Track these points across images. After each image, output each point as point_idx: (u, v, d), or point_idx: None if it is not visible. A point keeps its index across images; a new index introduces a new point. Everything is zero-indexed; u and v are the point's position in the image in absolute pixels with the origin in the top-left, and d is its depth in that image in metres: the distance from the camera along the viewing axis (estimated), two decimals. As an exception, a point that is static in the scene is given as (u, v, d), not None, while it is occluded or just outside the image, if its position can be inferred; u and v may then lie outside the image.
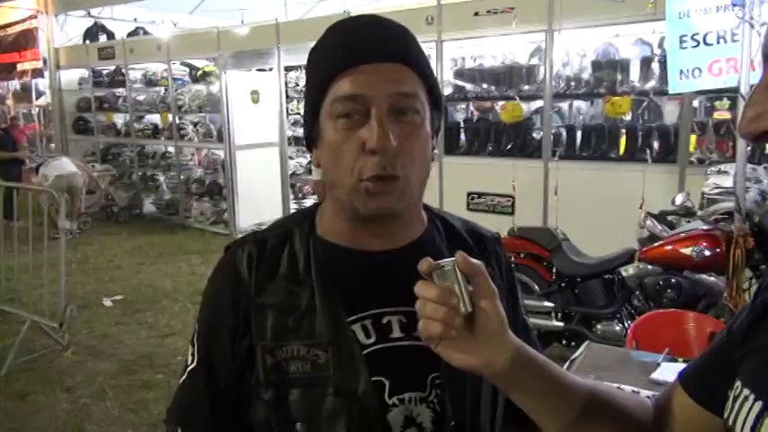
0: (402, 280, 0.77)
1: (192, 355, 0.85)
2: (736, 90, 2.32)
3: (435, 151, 0.84)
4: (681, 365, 1.86)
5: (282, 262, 0.83)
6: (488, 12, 5.18)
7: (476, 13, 5.24)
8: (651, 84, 4.77)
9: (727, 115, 4.70)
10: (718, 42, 2.43)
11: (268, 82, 7.73)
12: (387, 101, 0.74)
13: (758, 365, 0.60)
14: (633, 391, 1.71)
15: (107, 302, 5.28)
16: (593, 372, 1.85)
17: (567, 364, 1.92)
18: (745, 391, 0.59)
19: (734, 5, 2.12)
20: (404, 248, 0.84)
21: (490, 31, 5.27)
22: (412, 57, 0.78)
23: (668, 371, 1.82)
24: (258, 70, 8.21)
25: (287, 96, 7.54)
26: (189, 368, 0.85)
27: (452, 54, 5.98)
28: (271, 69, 7.59)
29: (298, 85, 10.04)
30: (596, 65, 5.08)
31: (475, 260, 0.65)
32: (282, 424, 0.79)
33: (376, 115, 0.73)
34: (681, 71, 2.54)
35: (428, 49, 6.74)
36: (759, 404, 0.57)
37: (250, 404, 0.81)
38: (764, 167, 3.27)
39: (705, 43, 2.46)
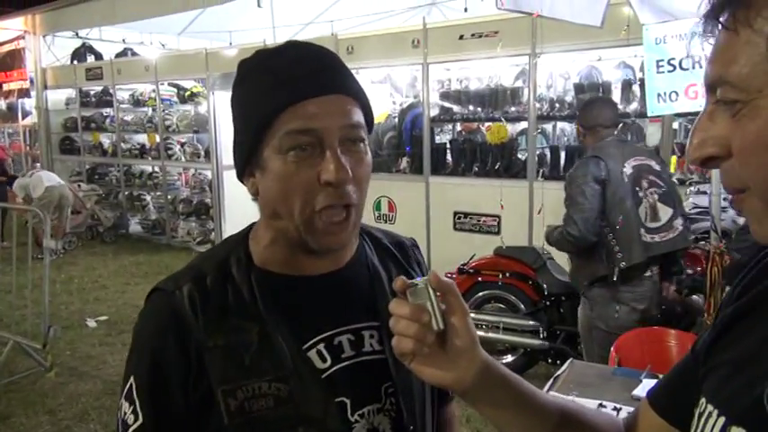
0: (346, 299, 0.85)
1: (135, 412, 0.78)
2: None
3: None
4: (662, 381, 1.90)
5: (228, 298, 0.80)
6: (473, 35, 5.29)
7: (461, 37, 5.34)
8: (633, 106, 4.88)
9: None
10: (694, 67, 2.51)
11: (256, 103, 7.75)
12: (338, 133, 0.76)
13: (720, 381, 0.61)
14: (615, 408, 1.74)
15: (91, 323, 5.23)
16: (576, 388, 1.88)
17: (551, 381, 1.95)
18: (709, 407, 0.61)
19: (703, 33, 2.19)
20: (343, 268, 0.87)
21: (475, 54, 5.37)
22: (353, 87, 0.80)
23: (650, 387, 1.85)
24: (246, 91, 8.24)
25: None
26: (133, 427, 0.77)
27: (439, 76, 6.09)
28: (259, 90, 7.61)
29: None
30: (579, 87, 5.19)
31: (446, 279, 0.68)
32: None
33: (331, 148, 0.75)
34: (658, 94, 2.62)
35: (414, 71, 6.87)
36: (722, 419, 0.58)
37: None
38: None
39: (681, 68, 2.55)
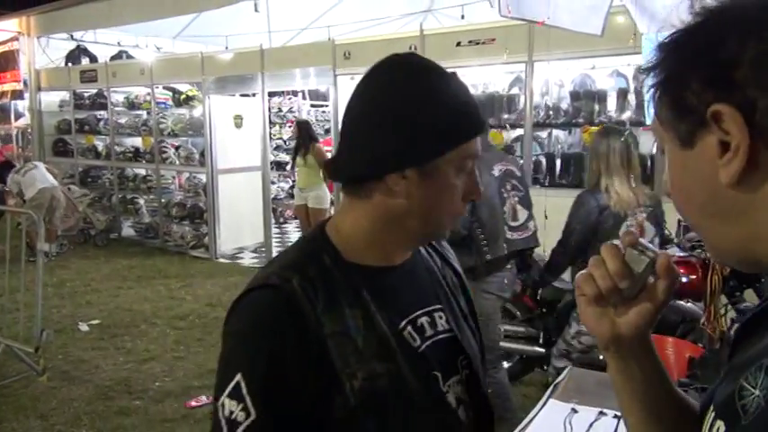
0: (417, 285, 0.99)
1: (245, 409, 0.79)
2: None
3: None
4: (661, 389, 1.90)
5: (332, 288, 0.87)
6: (470, 42, 5.31)
7: (458, 44, 5.36)
8: (627, 114, 4.91)
9: None
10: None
11: (251, 107, 7.78)
12: None
13: (721, 386, 0.62)
14: (616, 416, 1.74)
15: (83, 327, 5.19)
16: (577, 396, 1.87)
17: (551, 388, 1.94)
18: (711, 413, 0.62)
19: None
20: (410, 259, 0.99)
21: (472, 60, 5.39)
22: None
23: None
24: (241, 95, 8.26)
25: (270, 121, 7.58)
26: (245, 424, 0.79)
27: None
28: (254, 95, 7.64)
29: (280, 110, 10.13)
30: (575, 95, 5.22)
31: (676, 269, 0.68)
32: None
33: (477, 173, 0.92)
34: (657, 103, 2.62)
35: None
36: (713, 414, 0.60)
37: None
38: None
39: (680, 77, 2.54)
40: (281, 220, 9.68)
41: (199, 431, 3.50)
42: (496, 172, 3.04)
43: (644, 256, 0.65)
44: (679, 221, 3.40)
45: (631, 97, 4.95)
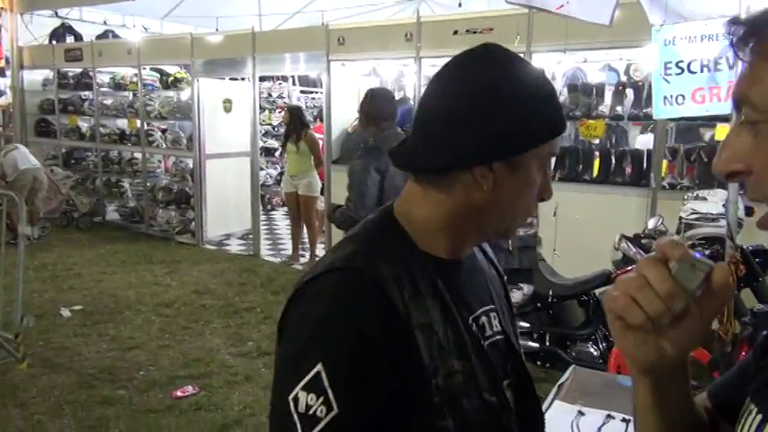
0: (476, 282, 0.96)
1: (326, 403, 0.73)
2: (726, 118, 2.36)
3: None
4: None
5: (416, 278, 0.83)
6: (467, 31, 5.21)
7: (455, 32, 5.27)
8: (623, 108, 4.87)
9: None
10: (702, 71, 2.47)
11: (241, 91, 7.62)
12: None
13: (764, 382, 0.62)
14: (624, 419, 1.69)
15: (65, 312, 5.06)
16: (582, 398, 1.82)
17: (555, 389, 1.89)
18: (751, 405, 0.62)
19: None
20: (470, 255, 0.97)
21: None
22: None
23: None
24: (231, 79, 8.10)
25: (260, 107, 7.44)
26: (326, 420, 0.73)
27: (426, 71, 6.00)
28: (244, 79, 7.49)
29: (270, 95, 9.97)
30: (571, 88, 5.17)
31: (731, 283, 0.61)
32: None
33: (550, 172, 0.92)
34: (665, 97, 2.58)
35: (402, 65, 6.77)
36: (759, 417, 0.60)
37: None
38: (740, 194, 3.33)
39: (689, 71, 2.50)
40: (269, 207, 9.56)
41: (184, 422, 3.41)
42: None
43: (697, 270, 0.56)
44: (680, 218, 3.36)
45: (629, 91, 4.90)
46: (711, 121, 3.99)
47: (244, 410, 3.54)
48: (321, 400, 0.73)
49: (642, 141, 5.56)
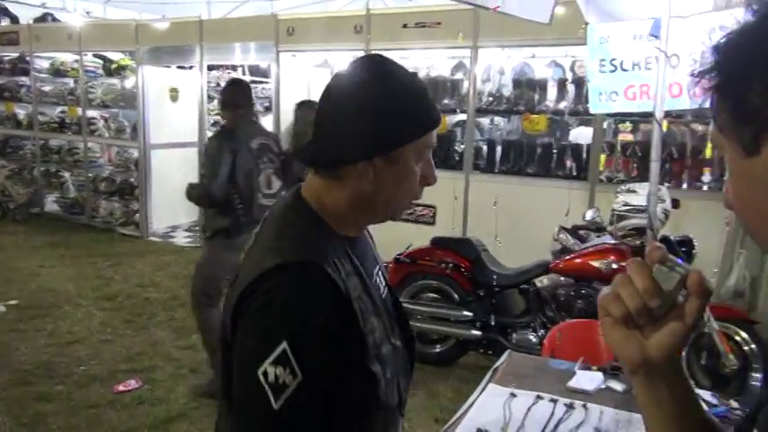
0: (368, 249, 1.17)
1: (292, 372, 0.87)
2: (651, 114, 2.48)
3: None
4: (595, 373, 1.95)
5: (340, 257, 1.00)
6: (417, 24, 5.26)
7: (404, 26, 5.30)
8: (564, 104, 5.03)
9: (629, 137, 5.06)
10: (633, 69, 2.59)
11: (188, 80, 7.45)
12: None
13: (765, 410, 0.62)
14: (552, 399, 1.77)
15: (0, 308, 4.86)
16: (515, 380, 1.90)
17: (490, 373, 1.96)
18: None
19: (651, 36, 2.27)
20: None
21: (418, 43, 5.35)
22: None
23: (583, 379, 1.90)
24: (178, 67, 7.91)
25: (208, 96, 7.30)
26: (292, 386, 0.87)
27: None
28: (192, 67, 7.32)
29: (219, 85, 9.77)
30: (516, 83, 5.29)
31: (707, 287, 0.64)
32: (387, 378, 1.01)
33: (432, 161, 1.08)
34: (600, 93, 2.69)
35: (355, 57, 6.76)
36: None
37: (351, 383, 0.96)
38: (667, 187, 3.51)
39: (622, 69, 2.62)
40: (218, 198, 9.39)
41: (126, 416, 3.35)
42: (255, 145, 3.41)
43: (674, 273, 0.61)
44: (613, 210, 3.52)
45: (570, 87, 5.06)
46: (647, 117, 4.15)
47: (189, 403, 3.50)
48: (288, 370, 0.87)
49: (575, 134, 5.72)
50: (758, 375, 3.23)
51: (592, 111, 2.86)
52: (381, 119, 0.98)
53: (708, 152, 4.49)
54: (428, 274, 4.03)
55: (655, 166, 2.25)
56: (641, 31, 2.54)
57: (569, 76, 5.14)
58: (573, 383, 1.87)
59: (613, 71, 2.64)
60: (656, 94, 2.28)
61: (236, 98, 3.45)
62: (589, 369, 1.97)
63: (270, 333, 0.89)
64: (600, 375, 1.92)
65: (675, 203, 3.41)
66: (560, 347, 2.40)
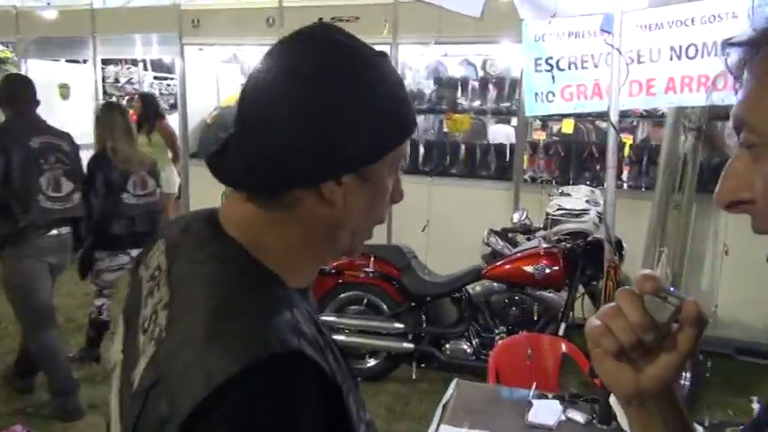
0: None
1: None
2: (604, 114, 2.37)
3: None
4: (552, 403, 1.79)
5: (313, 334, 0.69)
6: (333, 19, 4.98)
7: (320, 19, 4.97)
8: (476, 103, 4.96)
9: (542, 135, 5.07)
10: (570, 68, 2.47)
11: (81, 75, 6.77)
12: None
13: None
14: (513, 440, 1.59)
15: None
16: (468, 416, 1.70)
17: (440, 410, 1.75)
18: None
19: (603, 31, 2.15)
20: None
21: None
22: None
23: (542, 411, 1.73)
24: (69, 61, 7.18)
25: (104, 92, 6.68)
26: None
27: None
28: (85, 61, 6.65)
29: (117, 81, 9.03)
30: (437, 81, 5.17)
31: (704, 315, 0.60)
32: None
33: (399, 174, 0.80)
34: (536, 94, 2.56)
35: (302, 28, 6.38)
36: None
37: None
38: (600, 189, 3.47)
39: (558, 68, 2.50)
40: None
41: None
42: (35, 144, 3.15)
43: (668, 304, 0.59)
44: (547, 214, 3.43)
45: (476, 85, 5.00)
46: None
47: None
48: None
49: (493, 132, 5.68)
50: (689, 374, 3.24)
51: (528, 113, 2.74)
52: (352, 125, 0.70)
53: (626, 151, 4.54)
54: (355, 285, 3.79)
55: (611, 173, 2.13)
56: (579, 29, 2.43)
57: (480, 74, 5.10)
58: (532, 417, 1.70)
59: (549, 71, 2.52)
60: (611, 93, 2.15)
61: (13, 94, 3.26)
62: (545, 397, 1.81)
63: None
64: (558, 405, 1.76)
65: (607, 206, 3.38)
66: (506, 368, 2.24)
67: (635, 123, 5.07)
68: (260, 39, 5.42)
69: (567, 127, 4.99)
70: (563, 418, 1.71)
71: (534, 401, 1.78)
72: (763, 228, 0.56)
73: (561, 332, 3.39)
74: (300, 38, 0.72)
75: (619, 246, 3.43)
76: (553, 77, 2.50)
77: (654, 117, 4.57)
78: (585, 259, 3.42)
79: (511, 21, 3.57)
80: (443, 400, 1.80)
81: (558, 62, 2.48)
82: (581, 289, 3.52)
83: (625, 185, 4.43)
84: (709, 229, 4.33)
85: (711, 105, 3.77)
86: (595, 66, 2.41)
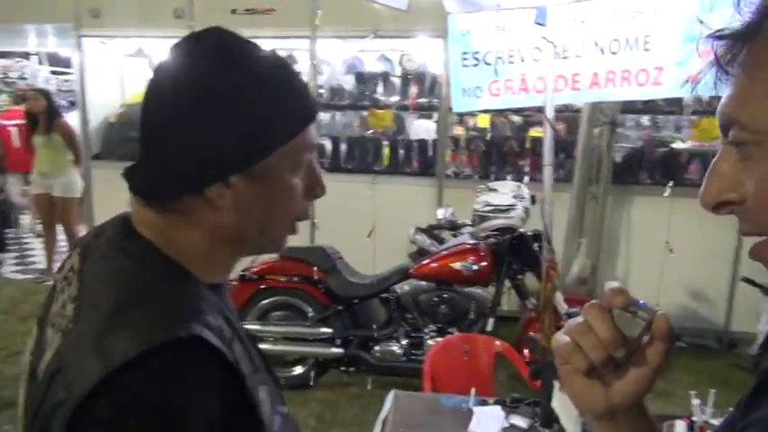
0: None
1: None
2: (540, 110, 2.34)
3: None
4: (494, 409, 1.73)
5: (220, 325, 0.71)
6: (247, 11, 4.76)
7: (233, 11, 4.77)
8: (394, 98, 4.91)
9: (460, 131, 5.07)
10: (497, 63, 2.43)
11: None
12: None
13: None
14: (457, 454, 1.51)
15: None
16: (409, 431, 1.60)
17: (379, 426, 1.64)
18: None
19: (537, 24, 2.11)
20: None
21: (248, 31, 4.81)
22: None
23: (483, 419, 1.67)
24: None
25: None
26: None
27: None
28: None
29: (7, 76, 8.29)
30: (359, 77, 5.06)
31: (671, 329, 0.60)
32: None
33: (317, 165, 0.79)
34: (463, 89, 2.50)
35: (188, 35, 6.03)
36: None
37: None
38: (524, 184, 3.49)
39: (485, 63, 2.45)
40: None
41: None
42: None
43: (638, 319, 0.58)
44: (475, 210, 3.40)
45: (396, 81, 4.95)
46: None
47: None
48: None
49: (415, 127, 5.65)
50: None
51: (455, 109, 2.67)
52: (232, 122, 0.70)
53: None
54: (278, 291, 3.61)
55: (548, 170, 2.09)
56: (505, 23, 2.39)
57: (398, 70, 5.05)
58: (474, 427, 1.62)
59: (476, 65, 2.46)
60: (546, 88, 2.11)
61: None
62: (486, 403, 1.74)
63: None
64: (499, 411, 1.70)
65: (533, 199, 3.40)
66: (441, 372, 2.17)
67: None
68: (167, 31, 5.07)
69: (483, 122, 5.01)
70: (506, 424, 1.65)
71: (475, 409, 1.71)
72: (751, 230, 0.54)
73: (490, 327, 3.39)
74: (187, 42, 0.73)
75: (542, 239, 3.47)
76: (480, 72, 2.45)
77: (568, 111, 4.68)
78: (511, 254, 3.43)
79: (433, 14, 3.52)
80: (381, 415, 1.69)
81: (485, 56, 2.43)
82: (507, 283, 3.54)
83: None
84: (623, 219, 4.50)
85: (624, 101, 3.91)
86: (522, 60, 2.38)
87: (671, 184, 4.16)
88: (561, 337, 0.61)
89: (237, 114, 0.70)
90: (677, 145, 4.71)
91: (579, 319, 0.60)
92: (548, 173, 2.07)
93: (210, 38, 0.73)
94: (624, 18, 2.22)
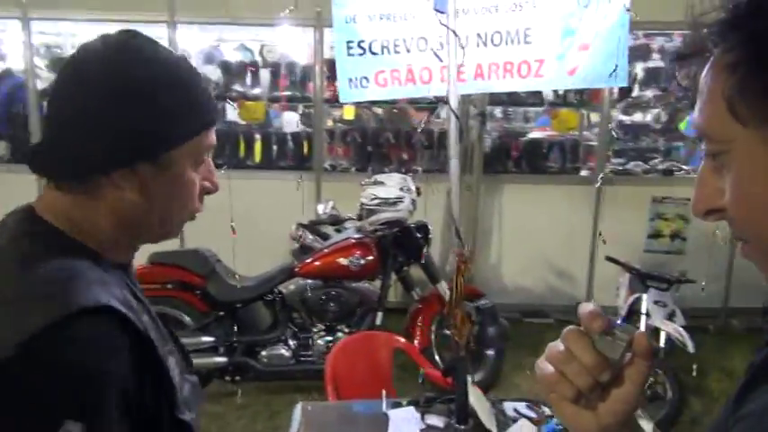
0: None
1: None
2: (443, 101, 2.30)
3: None
4: (408, 410, 1.67)
5: (126, 293, 0.80)
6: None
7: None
8: (257, 90, 4.72)
9: (329, 122, 4.96)
10: (383, 53, 2.36)
11: None
12: None
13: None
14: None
15: None
16: (324, 445, 1.50)
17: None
18: None
19: (437, 12, 2.05)
20: None
21: (94, 14, 4.34)
22: None
23: (401, 423, 1.61)
24: None
25: None
26: None
27: (45, 39, 4.81)
28: None
29: None
30: (224, 67, 4.78)
31: (652, 345, 0.62)
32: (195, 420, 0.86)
33: (212, 166, 0.90)
34: (350, 79, 2.40)
35: (2, 30, 5.28)
36: None
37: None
38: (410, 176, 3.49)
39: (371, 52, 2.37)
40: None
41: None
42: None
43: (618, 341, 0.59)
44: (362, 204, 3.33)
45: (262, 72, 4.77)
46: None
47: None
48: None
49: (287, 120, 5.45)
50: (491, 352, 3.45)
51: (342, 99, 2.57)
52: (147, 114, 0.78)
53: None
54: (151, 299, 3.28)
55: (454, 164, 2.05)
56: (390, 11, 2.33)
57: (259, 60, 4.84)
58: (393, 432, 1.56)
59: (362, 54, 2.38)
60: (449, 78, 2.07)
61: None
62: (399, 405, 1.69)
63: (46, 410, 0.65)
64: (415, 413, 1.65)
65: (418, 191, 3.41)
66: (344, 373, 2.08)
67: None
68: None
69: (348, 113, 4.91)
70: (422, 426, 1.61)
71: (390, 413, 1.65)
72: (741, 235, 0.56)
73: (379, 321, 3.37)
74: (104, 40, 0.81)
75: (425, 230, 3.51)
76: (366, 62, 2.37)
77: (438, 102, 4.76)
78: (396, 247, 3.43)
79: (300, 3, 3.38)
80: (292, 427, 1.57)
81: (370, 45, 2.36)
82: (393, 276, 3.53)
83: (420, 170, 4.57)
84: (495, 207, 4.71)
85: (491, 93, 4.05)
86: (408, 51, 2.35)
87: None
88: (545, 366, 0.61)
89: (150, 106, 0.77)
90: (536, 134, 5.00)
91: (560, 346, 0.60)
92: (454, 165, 2.05)
93: (128, 38, 0.80)
94: (505, 11, 2.27)
